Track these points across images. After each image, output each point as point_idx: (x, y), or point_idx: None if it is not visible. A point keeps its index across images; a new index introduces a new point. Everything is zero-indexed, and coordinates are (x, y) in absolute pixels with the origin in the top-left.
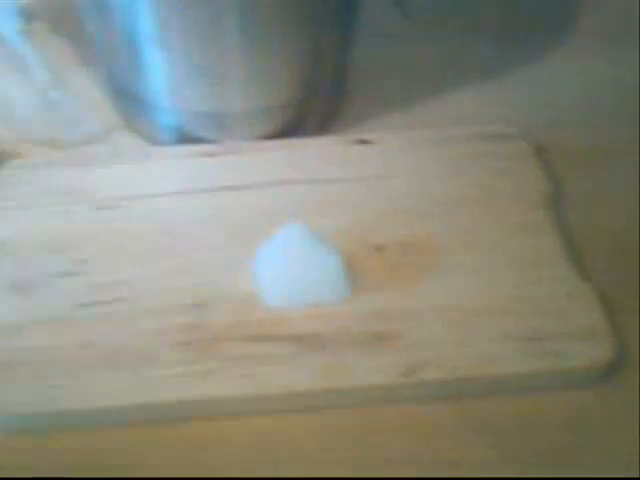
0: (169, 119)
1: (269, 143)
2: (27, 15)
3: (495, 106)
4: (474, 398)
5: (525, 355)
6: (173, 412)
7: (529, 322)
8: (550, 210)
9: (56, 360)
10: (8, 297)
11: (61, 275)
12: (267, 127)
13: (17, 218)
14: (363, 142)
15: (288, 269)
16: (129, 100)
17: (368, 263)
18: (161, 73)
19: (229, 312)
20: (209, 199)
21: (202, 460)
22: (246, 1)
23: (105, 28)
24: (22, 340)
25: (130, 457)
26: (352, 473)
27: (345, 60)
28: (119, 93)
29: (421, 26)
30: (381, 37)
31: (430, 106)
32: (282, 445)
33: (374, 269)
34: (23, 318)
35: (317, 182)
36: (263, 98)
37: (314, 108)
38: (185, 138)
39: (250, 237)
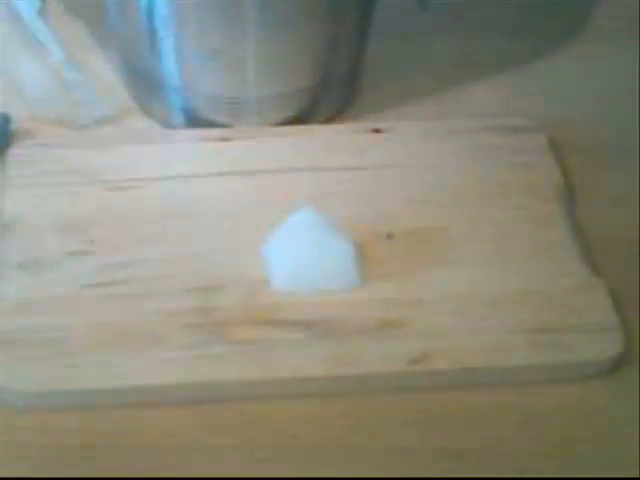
0: (183, 102)
1: (283, 129)
2: None
3: (511, 99)
4: (481, 388)
5: (533, 347)
6: (181, 394)
7: (539, 314)
8: (563, 204)
9: (64, 340)
10: (17, 276)
11: (71, 255)
12: (281, 113)
13: (28, 197)
14: (377, 131)
15: (299, 255)
16: (143, 82)
17: (379, 251)
18: (177, 56)
19: (239, 296)
20: (221, 183)
21: (209, 443)
22: None
23: (122, 10)
24: (30, 319)
25: (136, 438)
26: (358, 460)
27: (362, 49)
28: (134, 75)
29: (439, 18)
30: (399, 28)
31: (445, 98)
32: (289, 430)
33: (384, 257)
34: (31, 297)
35: (330, 169)
36: (279, 84)
37: (329, 96)
38: (198, 122)
39: (261, 222)
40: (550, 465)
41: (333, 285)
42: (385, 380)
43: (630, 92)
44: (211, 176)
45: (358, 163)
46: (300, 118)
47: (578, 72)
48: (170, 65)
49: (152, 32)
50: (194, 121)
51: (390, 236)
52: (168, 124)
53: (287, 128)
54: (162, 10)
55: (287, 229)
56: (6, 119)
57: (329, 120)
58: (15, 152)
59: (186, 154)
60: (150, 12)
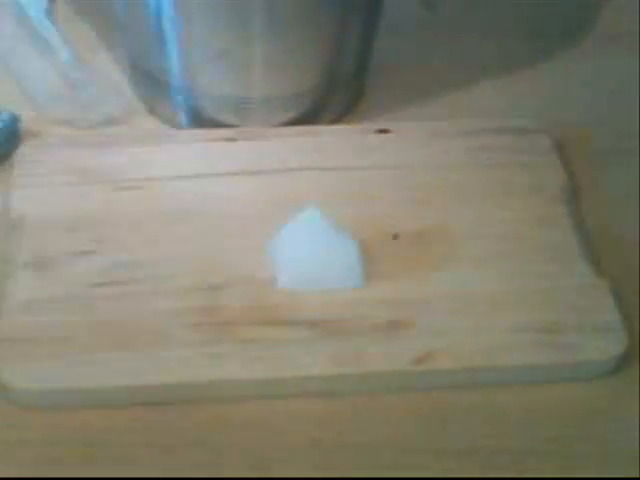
0: (189, 102)
1: (289, 130)
2: None
3: (516, 101)
4: (484, 388)
5: (537, 347)
6: (187, 393)
7: (542, 314)
8: (567, 205)
9: (69, 339)
10: (25, 274)
11: (78, 254)
12: (287, 114)
13: (35, 196)
14: (382, 131)
15: (304, 254)
16: (150, 82)
17: (383, 251)
18: (183, 56)
19: (245, 295)
20: (227, 183)
21: (214, 442)
22: None
23: (129, 10)
24: (36, 317)
25: (142, 437)
26: (362, 459)
27: (368, 50)
28: (140, 75)
29: (445, 19)
30: (404, 29)
31: (451, 99)
32: (293, 429)
33: (389, 257)
34: (37, 296)
35: (335, 169)
36: (284, 84)
37: (335, 96)
38: (204, 122)
39: (267, 222)
40: (552, 465)
41: (337, 285)
42: (388, 379)
43: (634, 94)
44: (217, 176)
45: (363, 163)
46: (306, 119)
47: (582, 73)
48: (176, 65)
49: (159, 32)
50: (200, 121)
51: (395, 236)
52: (174, 124)
53: (293, 128)
54: (169, 11)
55: (292, 229)
56: (14, 119)
57: (335, 121)
58: (22, 152)
59: (192, 154)
60: (157, 13)
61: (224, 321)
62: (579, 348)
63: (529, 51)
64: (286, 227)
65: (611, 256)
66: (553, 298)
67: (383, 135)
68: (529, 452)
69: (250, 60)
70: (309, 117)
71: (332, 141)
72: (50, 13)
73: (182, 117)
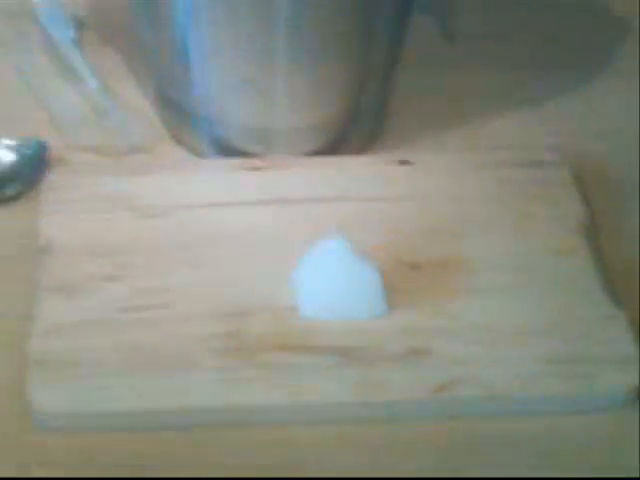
0: (214, 131)
1: (312, 160)
2: (79, 24)
3: (535, 133)
4: (505, 417)
5: (556, 377)
6: (211, 418)
7: (561, 345)
8: (585, 236)
9: (97, 362)
10: (53, 299)
11: (105, 279)
12: (311, 144)
13: (63, 222)
14: (403, 162)
15: (326, 283)
16: (176, 111)
17: (404, 281)
18: (209, 86)
19: (268, 322)
20: (251, 211)
21: (237, 467)
22: (296, 18)
23: (156, 40)
24: (64, 341)
25: (165, 460)
26: None
27: (390, 81)
28: (166, 104)
29: (466, 52)
30: (426, 61)
31: (470, 131)
32: (316, 455)
33: (409, 287)
34: (65, 319)
35: (357, 200)
36: (308, 115)
37: (358, 127)
38: (229, 151)
39: (290, 250)
40: None
41: (360, 313)
42: (411, 407)
43: None
44: (241, 205)
45: (385, 194)
46: (329, 149)
47: (603, 106)
48: (202, 95)
49: (185, 62)
50: (225, 150)
51: (416, 266)
52: (199, 153)
53: (316, 159)
54: (195, 41)
55: (315, 257)
56: (43, 147)
57: (357, 151)
58: (50, 179)
59: (217, 183)
60: (183, 43)
61: (248, 347)
62: (596, 379)
63: (547, 84)
64: (309, 256)
65: (629, 287)
66: (570, 329)
67: (405, 166)
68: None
69: (274, 91)
70: (332, 147)
71: (354, 172)
72: (78, 42)
73: (207, 146)
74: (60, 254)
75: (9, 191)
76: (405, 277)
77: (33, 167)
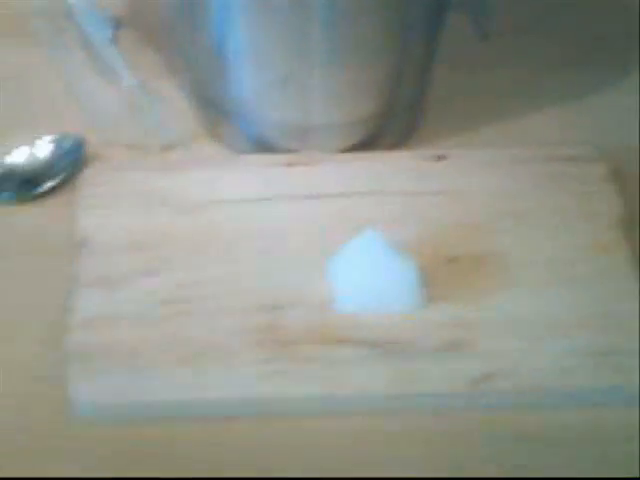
0: (250, 128)
1: (348, 155)
2: (116, 23)
3: (571, 128)
4: (542, 410)
5: (594, 370)
6: (248, 409)
7: (599, 337)
8: (622, 231)
9: (136, 354)
10: (91, 292)
11: (141, 273)
12: (347, 140)
13: (100, 217)
14: (439, 158)
15: (363, 276)
16: (212, 108)
17: (440, 274)
18: (246, 83)
19: (303, 315)
20: (287, 207)
21: (272, 458)
22: (333, 15)
23: (193, 37)
24: (103, 334)
25: (200, 451)
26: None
27: (426, 77)
28: (203, 101)
29: (501, 49)
30: (462, 57)
31: (507, 126)
32: (353, 447)
33: (446, 280)
34: (104, 313)
35: (392, 194)
36: (345, 111)
37: (393, 123)
38: (265, 147)
39: (326, 244)
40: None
41: (396, 307)
42: (447, 400)
43: None
44: (277, 200)
45: (421, 188)
46: (364, 145)
47: (636, 100)
48: (239, 92)
49: (222, 60)
50: (261, 147)
51: (452, 260)
52: (236, 149)
53: (352, 154)
54: (233, 40)
55: (351, 251)
56: (80, 143)
57: (392, 147)
58: (88, 174)
59: (253, 178)
60: (220, 41)
61: (285, 339)
62: (631, 372)
63: (582, 79)
64: (345, 250)
65: None
66: (608, 322)
67: (441, 161)
68: (587, 473)
69: (311, 88)
70: (368, 143)
71: (390, 167)
72: (114, 40)
73: (243, 142)
74: (97, 248)
75: (46, 186)
76: (441, 271)
77: (70, 163)
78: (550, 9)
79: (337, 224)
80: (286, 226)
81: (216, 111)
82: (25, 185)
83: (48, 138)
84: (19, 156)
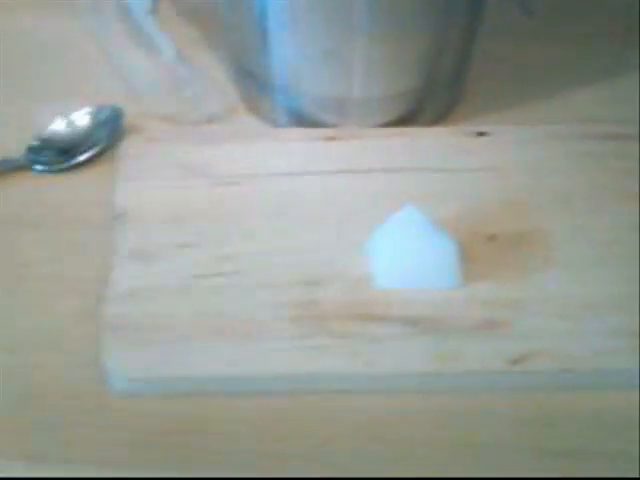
0: (289, 101)
1: (387, 130)
2: None
3: (614, 106)
4: (579, 391)
5: (632, 351)
6: (282, 385)
7: (636, 319)
8: None
9: (171, 327)
10: (127, 265)
11: (178, 246)
12: (387, 115)
13: (138, 189)
14: (480, 134)
15: (403, 253)
16: (252, 81)
17: (479, 252)
18: (286, 56)
19: (341, 291)
20: (325, 181)
21: (307, 434)
22: None
23: (233, 9)
24: (140, 306)
25: (234, 426)
26: (454, 456)
27: (469, 53)
28: (242, 74)
29: (545, 24)
30: (505, 33)
31: (548, 103)
32: (387, 424)
33: (486, 258)
34: (142, 285)
35: (432, 170)
36: (386, 85)
37: (434, 98)
38: (304, 121)
39: (363, 220)
40: None
41: (435, 284)
42: (484, 379)
43: None
44: (315, 174)
45: (461, 165)
46: (405, 120)
47: None
48: (279, 65)
49: (263, 33)
50: (300, 120)
51: (492, 238)
52: (274, 123)
53: (392, 129)
54: (273, 12)
55: (390, 227)
56: (118, 113)
57: (432, 122)
58: (126, 145)
59: (291, 152)
60: (262, 13)
61: (321, 315)
62: None
63: (626, 56)
64: (384, 226)
65: None
66: None
67: (481, 138)
68: (624, 455)
69: (352, 61)
70: (408, 118)
71: (430, 142)
72: (155, 12)
73: (282, 116)
74: (136, 220)
75: (83, 157)
76: (481, 248)
77: (107, 133)
78: None
79: (376, 200)
80: (324, 201)
81: (255, 84)
82: (62, 155)
83: (86, 109)
84: (57, 126)
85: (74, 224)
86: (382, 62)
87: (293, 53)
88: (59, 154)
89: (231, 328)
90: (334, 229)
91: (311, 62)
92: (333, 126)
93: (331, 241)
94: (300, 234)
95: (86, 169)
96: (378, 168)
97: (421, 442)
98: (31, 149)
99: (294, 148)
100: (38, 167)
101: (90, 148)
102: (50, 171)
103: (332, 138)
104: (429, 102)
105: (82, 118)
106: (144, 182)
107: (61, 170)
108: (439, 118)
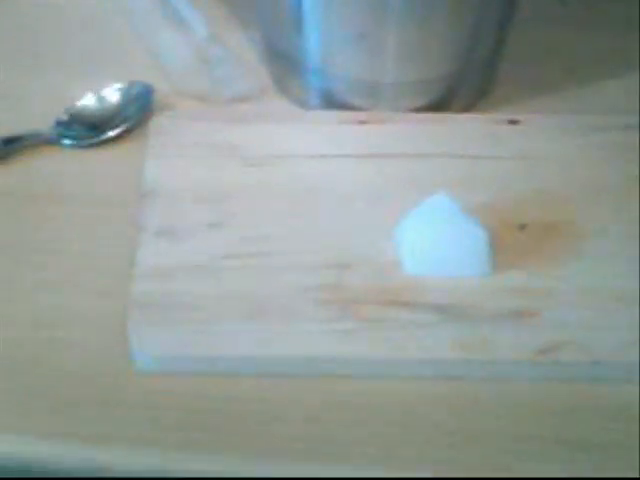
0: (321, 84)
1: (419, 116)
2: None
3: None
4: (607, 382)
5: None
6: (309, 368)
7: None
8: None
9: (198, 307)
10: (155, 242)
11: (207, 225)
12: (418, 99)
13: (167, 167)
14: (512, 122)
15: (432, 239)
16: (283, 62)
17: (509, 241)
18: (319, 37)
19: (369, 276)
20: (355, 165)
21: (332, 417)
22: None
23: None
24: (166, 284)
25: (259, 407)
26: (481, 444)
27: (502, 39)
28: (274, 55)
29: (580, 12)
30: (539, 21)
31: (583, 93)
32: (413, 410)
33: (515, 247)
34: (168, 263)
35: (463, 157)
36: (418, 70)
37: (466, 84)
38: (334, 104)
39: (392, 205)
40: None
41: (464, 272)
42: (511, 368)
43: None
44: (345, 157)
45: (493, 153)
46: (437, 106)
47: None
48: (312, 47)
49: (297, 14)
50: (330, 103)
51: (523, 227)
52: (304, 105)
53: (423, 115)
54: None
55: (420, 213)
56: (148, 90)
57: (464, 109)
58: (156, 123)
59: (321, 134)
60: None
61: (349, 299)
62: None
63: None
64: (414, 212)
65: None
66: None
67: (514, 126)
68: None
69: (386, 44)
70: (440, 104)
71: (462, 129)
72: None
73: (313, 98)
74: (164, 198)
75: (113, 133)
76: (511, 237)
77: (138, 110)
78: None
79: (406, 185)
80: (354, 185)
81: (287, 65)
82: (92, 131)
83: (117, 85)
84: (87, 101)
85: (103, 200)
86: (416, 47)
87: (326, 35)
88: (89, 129)
89: (260, 310)
90: (364, 213)
91: (344, 45)
92: (364, 109)
93: (361, 225)
94: (327, 217)
95: (115, 145)
96: (408, 153)
97: (446, 428)
98: (60, 123)
99: (325, 131)
100: (67, 141)
101: (120, 124)
102: (79, 146)
103: (363, 122)
104: (461, 88)
105: (113, 94)
106: (173, 160)
107: (90, 145)
108: (471, 105)
